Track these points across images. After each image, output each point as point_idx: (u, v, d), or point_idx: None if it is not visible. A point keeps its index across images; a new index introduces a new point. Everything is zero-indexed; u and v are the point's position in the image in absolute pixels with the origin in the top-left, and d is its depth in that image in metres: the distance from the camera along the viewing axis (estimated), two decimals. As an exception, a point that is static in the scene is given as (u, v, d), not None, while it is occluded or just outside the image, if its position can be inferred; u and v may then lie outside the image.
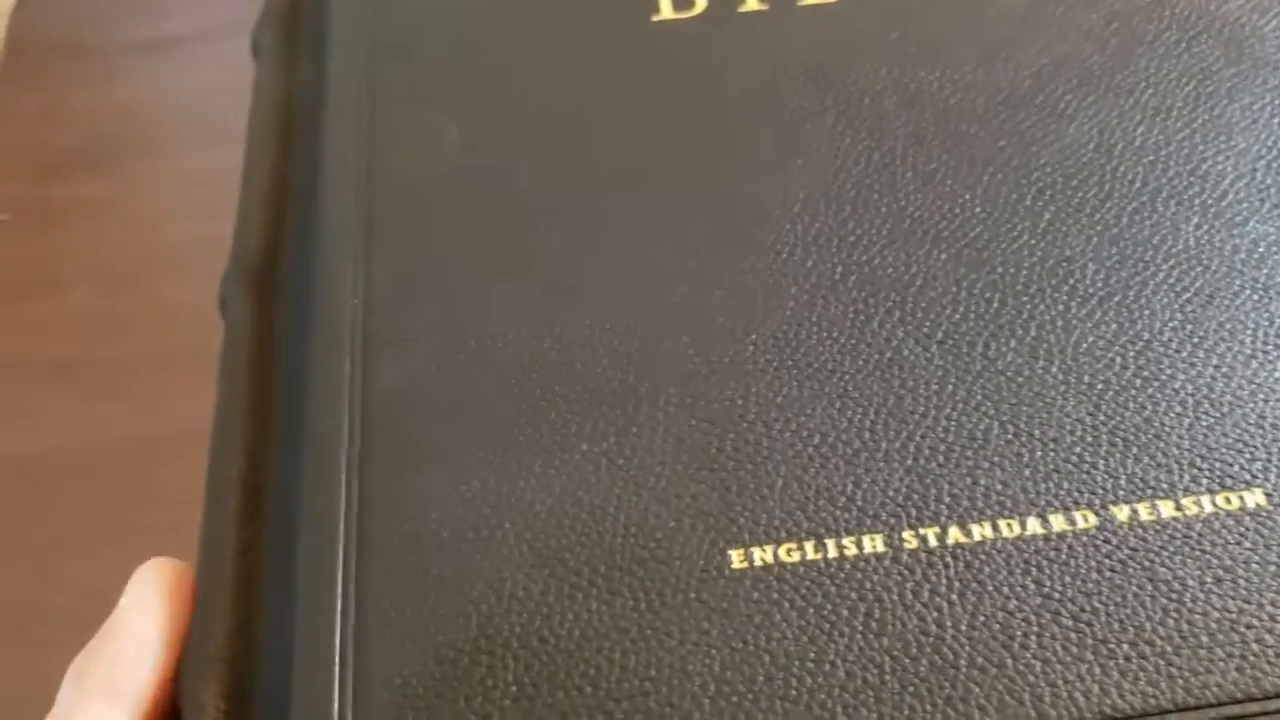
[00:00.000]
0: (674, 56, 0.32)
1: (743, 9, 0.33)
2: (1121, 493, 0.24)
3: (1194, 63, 0.31)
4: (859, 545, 0.23)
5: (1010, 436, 0.25)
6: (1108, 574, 0.23)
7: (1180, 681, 0.22)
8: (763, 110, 0.30)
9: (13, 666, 0.43)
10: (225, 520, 0.25)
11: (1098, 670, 0.22)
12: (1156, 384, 0.25)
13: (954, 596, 0.23)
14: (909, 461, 0.24)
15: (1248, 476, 0.24)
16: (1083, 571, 0.23)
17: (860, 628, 0.22)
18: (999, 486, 0.24)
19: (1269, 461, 0.24)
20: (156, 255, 0.53)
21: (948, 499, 0.24)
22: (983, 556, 0.23)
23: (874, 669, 0.22)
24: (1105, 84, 0.30)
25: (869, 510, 0.24)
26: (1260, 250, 0.27)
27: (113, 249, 0.52)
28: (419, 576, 0.24)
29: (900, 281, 0.27)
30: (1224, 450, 0.24)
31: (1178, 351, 0.26)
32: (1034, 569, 0.23)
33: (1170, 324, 0.26)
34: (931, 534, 0.23)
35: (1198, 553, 0.23)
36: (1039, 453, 0.24)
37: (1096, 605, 0.23)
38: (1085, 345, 0.26)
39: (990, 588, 0.23)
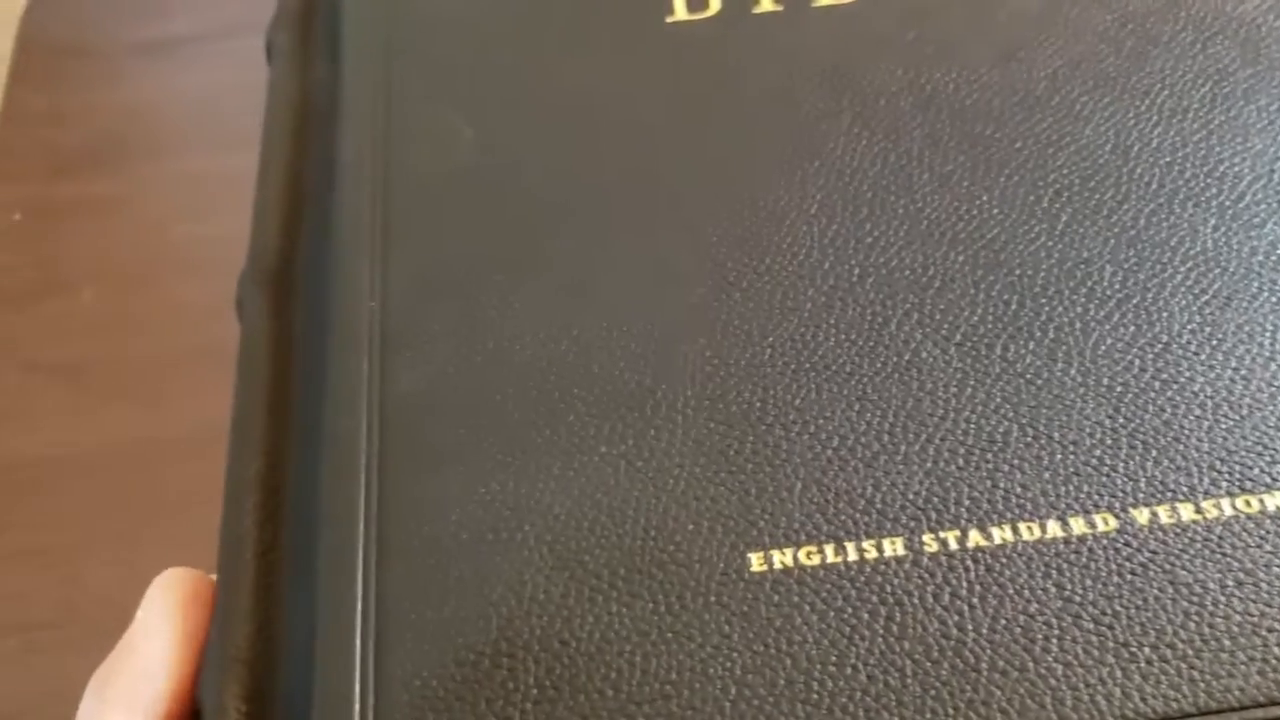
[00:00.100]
0: (688, 57, 0.32)
1: (757, 10, 0.33)
2: (1141, 495, 0.24)
3: (1210, 64, 0.31)
4: (879, 548, 0.23)
5: (1030, 439, 0.25)
6: (1128, 577, 0.23)
7: (1202, 685, 0.22)
8: (778, 111, 0.30)
9: (32, 667, 0.43)
10: (244, 521, 0.25)
11: (1119, 674, 0.22)
12: (1175, 386, 0.25)
13: (975, 600, 0.23)
14: (928, 464, 0.24)
15: (1268, 479, 0.24)
16: (1103, 575, 0.23)
17: (881, 631, 0.22)
18: (1019, 489, 0.24)
19: (1289, 464, 0.24)
20: (165, 256, 0.53)
21: (968, 502, 0.24)
22: (1003, 560, 0.23)
23: (895, 672, 0.22)
24: (1121, 85, 0.30)
25: (889, 513, 0.24)
26: (1279, 252, 0.27)
27: (121, 250, 0.52)
28: (439, 578, 0.24)
29: (918, 283, 0.27)
30: (1244, 453, 0.24)
31: (1196, 354, 0.26)
32: (1054, 572, 0.23)
33: (1189, 326, 0.26)
34: (952, 537, 0.23)
35: (1218, 556, 0.23)
36: (1058, 455, 0.24)
37: (1117, 609, 0.23)
38: (1104, 347, 0.26)
39: (1011, 591, 0.23)
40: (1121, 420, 0.25)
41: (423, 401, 0.26)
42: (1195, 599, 0.23)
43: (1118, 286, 0.27)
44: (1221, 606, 0.22)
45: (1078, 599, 0.23)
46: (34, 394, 0.49)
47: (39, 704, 0.43)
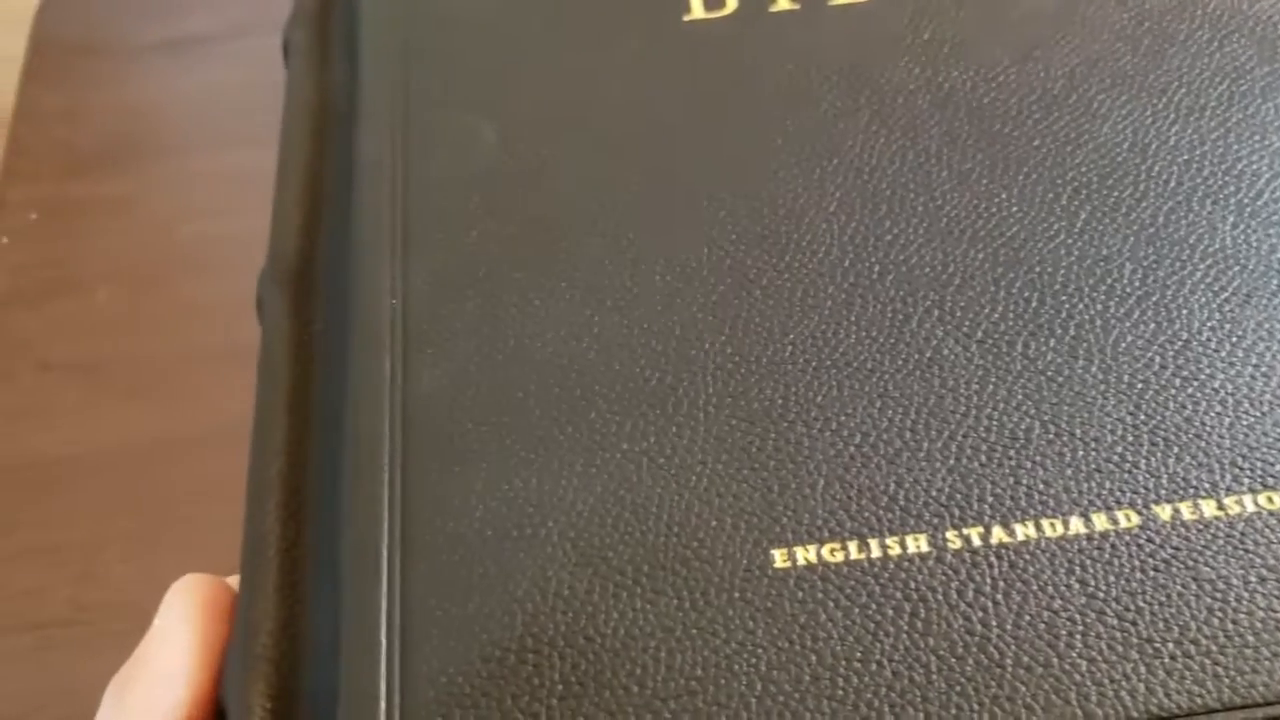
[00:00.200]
0: (706, 56, 0.32)
1: (774, 8, 0.33)
2: (1164, 492, 0.24)
3: (1227, 62, 0.31)
4: (903, 545, 0.23)
5: (1052, 436, 0.25)
6: (1151, 573, 0.23)
7: (1226, 681, 0.22)
8: (796, 109, 0.30)
9: (46, 665, 0.43)
10: (267, 520, 0.26)
11: (1143, 669, 0.22)
12: (1196, 383, 0.25)
13: (999, 596, 0.23)
14: (951, 461, 0.24)
15: None
16: (1126, 571, 0.23)
17: (906, 627, 0.22)
18: (1041, 486, 0.24)
19: (1311, 461, 0.24)
20: (179, 255, 0.53)
21: (990, 499, 0.24)
22: (1027, 556, 0.23)
23: (920, 668, 0.22)
24: (1139, 84, 0.30)
25: (912, 510, 0.24)
26: (1298, 249, 0.27)
27: (136, 249, 0.52)
28: (463, 575, 0.24)
29: (938, 281, 0.27)
30: (1265, 449, 0.24)
31: (1216, 351, 0.26)
32: (1078, 568, 0.23)
33: (1209, 323, 0.26)
34: (975, 534, 0.23)
35: (1241, 552, 0.23)
36: (1080, 452, 0.24)
37: (1141, 605, 0.23)
38: (1124, 345, 0.26)
39: (1035, 587, 0.23)
40: (1143, 417, 0.25)
41: (445, 399, 0.26)
42: (1218, 595, 0.23)
43: (1137, 284, 0.27)
44: (1245, 602, 0.23)
45: (1101, 595, 0.23)
46: (48, 393, 0.49)
47: (52, 701, 0.43)
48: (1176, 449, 0.24)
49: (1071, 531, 0.23)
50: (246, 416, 0.30)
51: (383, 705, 0.22)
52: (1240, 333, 0.26)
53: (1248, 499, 0.24)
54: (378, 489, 0.25)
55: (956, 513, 0.24)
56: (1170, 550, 0.23)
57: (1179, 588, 0.23)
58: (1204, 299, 0.27)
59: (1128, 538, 0.23)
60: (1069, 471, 0.24)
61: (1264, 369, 0.25)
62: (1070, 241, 0.28)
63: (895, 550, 0.23)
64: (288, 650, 0.24)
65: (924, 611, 0.23)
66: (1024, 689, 0.22)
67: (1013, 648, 0.22)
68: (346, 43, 0.34)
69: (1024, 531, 0.24)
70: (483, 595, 0.23)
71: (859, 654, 0.22)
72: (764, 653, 0.22)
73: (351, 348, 0.27)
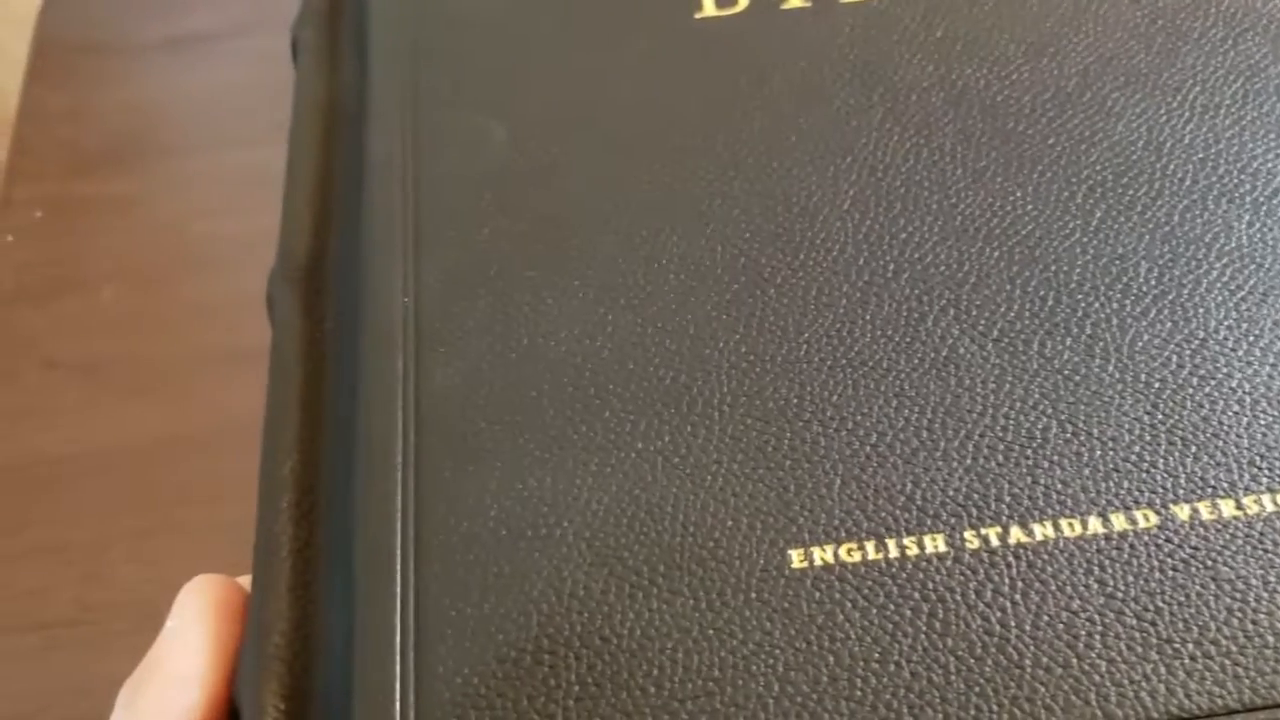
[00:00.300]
0: (717, 54, 0.32)
1: (785, 6, 0.33)
2: (1182, 492, 0.24)
3: (1241, 60, 0.31)
4: (920, 545, 0.23)
5: (1069, 435, 0.25)
6: (1170, 573, 0.23)
7: (1247, 681, 0.22)
8: (809, 107, 0.30)
9: (52, 664, 0.43)
10: (279, 519, 0.25)
11: (1163, 670, 0.22)
12: (1213, 382, 0.25)
13: (1017, 596, 0.23)
14: (968, 461, 0.24)
15: None
16: (1145, 571, 0.23)
17: (924, 628, 0.22)
18: (1059, 486, 0.24)
19: (1330, 460, 0.24)
20: (184, 254, 0.52)
21: (1008, 498, 0.24)
22: (1045, 556, 0.23)
23: (939, 669, 0.22)
24: (1153, 82, 0.30)
25: (929, 510, 0.24)
26: (1315, 248, 0.27)
27: (141, 248, 0.52)
28: (478, 575, 0.24)
29: (953, 279, 0.27)
30: (1284, 449, 0.24)
31: (1234, 350, 0.26)
32: (1096, 568, 0.23)
33: (1225, 322, 0.26)
34: (993, 534, 0.23)
35: (1260, 552, 0.23)
36: (1098, 452, 0.24)
37: (1160, 605, 0.22)
38: (1141, 344, 0.26)
39: (1053, 587, 0.23)
40: (1160, 416, 0.25)
41: (458, 398, 0.26)
42: (1238, 595, 0.23)
43: (1153, 283, 0.27)
44: (1264, 602, 0.22)
45: (1120, 595, 0.23)
46: (53, 391, 0.49)
47: (59, 701, 0.43)
48: (1194, 448, 0.24)
49: (1090, 531, 0.23)
50: (252, 416, 0.29)
51: (397, 706, 0.22)
52: (1257, 331, 0.26)
53: (1266, 498, 0.24)
54: (391, 488, 0.25)
55: (974, 512, 0.24)
56: (1189, 550, 0.23)
57: (1198, 588, 0.23)
58: (1220, 297, 0.26)
59: (1146, 538, 0.23)
60: (1087, 471, 0.24)
61: (1281, 368, 0.25)
62: (1086, 240, 0.27)
63: (913, 550, 0.23)
64: (301, 650, 0.24)
65: (942, 612, 0.23)
66: (1043, 689, 0.22)
67: (1031, 648, 0.22)
68: (356, 41, 0.33)
69: (1042, 531, 0.23)
70: (498, 595, 0.23)
71: (877, 655, 0.22)
72: (781, 653, 0.22)
73: (363, 346, 0.27)
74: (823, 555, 0.23)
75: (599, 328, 0.27)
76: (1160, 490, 0.24)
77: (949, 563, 0.23)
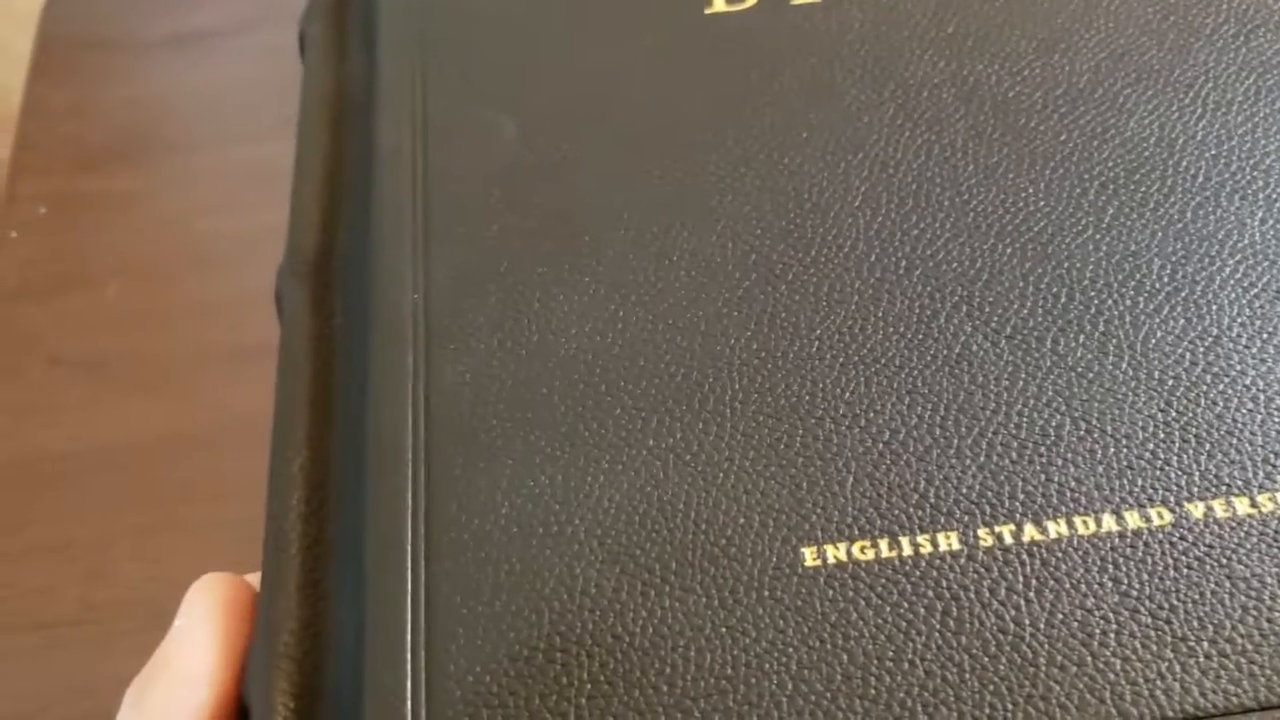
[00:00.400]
0: (728, 49, 0.32)
1: (795, 1, 0.33)
2: (1196, 489, 0.24)
3: (1253, 56, 0.31)
4: (934, 543, 0.23)
5: (1083, 433, 0.24)
6: (1185, 571, 0.23)
7: (1262, 680, 0.22)
8: (819, 103, 0.30)
9: (55, 663, 0.43)
10: (289, 516, 0.25)
11: (1178, 668, 0.22)
12: (1227, 380, 0.25)
13: (1031, 594, 0.23)
14: (981, 458, 0.24)
15: None
16: (1160, 569, 0.23)
17: (938, 626, 0.22)
18: (1073, 483, 0.24)
19: (1345, 458, 0.24)
20: (189, 250, 0.52)
21: (1022, 496, 0.24)
22: (1059, 554, 0.23)
23: (953, 667, 0.22)
24: (1164, 78, 0.30)
25: (943, 507, 0.24)
26: (1329, 245, 0.27)
27: (145, 244, 0.52)
28: (489, 573, 0.23)
29: (966, 276, 0.27)
30: (1298, 447, 0.24)
31: (1247, 347, 0.26)
32: (1111, 566, 0.23)
33: (1239, 319, 0.26)
34: (1007, 531, 0.23)
35: (1275, 550, 0.23)
36: (1112, 449, 0.24)
37: (1175, 603, 0.22)
38: (1154, 341, 0.26)
39: (1068, 585, 0.23)
40: (1174, 414, 0.25)
41: (468, 394, 0.26)
42: (1253, 593, 0.22)
43: (1166, 280, 0.27)
44: (1280, 601, 0.22)
45: (1134, 593, 0.22)
46: (58, 388, 0.49)
47: (62, 700, 0.43)
48: (1208, 446, 0.24)
49: (1104, 529, 0.23)
50: (257, 413, 0.29)
51: (408, 705, 0.22)
52: (1271, 328, 0.26)
53: (1281, 496, 0.24)
54: (401, 485, 0.25)
55: (988, 510, 0.24)
56: (1204, 548, 0.23)
57: (1213, 586, 0.23)
58: (1234, 294, 0.26)
59: (1160, 535, 0.23)
60: (1100, 469, 0.24)
61: (1296, 365, 0.25)
62: (1098, 237, 0.27)
63: (926, 548, 0.23)
64: (310, 648, 0.24)
65: (956, 610, 0.22)
66: (1058, 688, 0.22)
67: (1046, 646, 0.22)
68: (364, 36, 0.33)
69: (1056, 529, 0.23)
70: (509, 593, 0.23)
71: (891, 653, 0.22)
72: (795, 652, 0.22)
73: (373, 342, 0.27)
74: (836, 553, 0.23)
75: (610, 324, 0.27)
76: (1174, 488, 0.24)
77: (963, 561, 0.23)
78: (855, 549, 0.23)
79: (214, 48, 0.59)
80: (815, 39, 0.31)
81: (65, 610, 0.45)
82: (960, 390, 0.25)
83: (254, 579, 0.26)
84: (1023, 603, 0.22)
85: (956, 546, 0.23)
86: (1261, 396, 0.25)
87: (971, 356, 0.26)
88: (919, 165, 0.29)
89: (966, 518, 0.23)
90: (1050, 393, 0.25)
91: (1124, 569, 0.23)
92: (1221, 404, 0.25)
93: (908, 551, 0.23)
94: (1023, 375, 0.25)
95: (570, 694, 0.22)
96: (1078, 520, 0.23)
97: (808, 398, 0.25)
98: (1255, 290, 0.26)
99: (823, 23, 0.32)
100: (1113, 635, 0.22)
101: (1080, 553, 0.23)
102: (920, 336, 0.26)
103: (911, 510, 0.24)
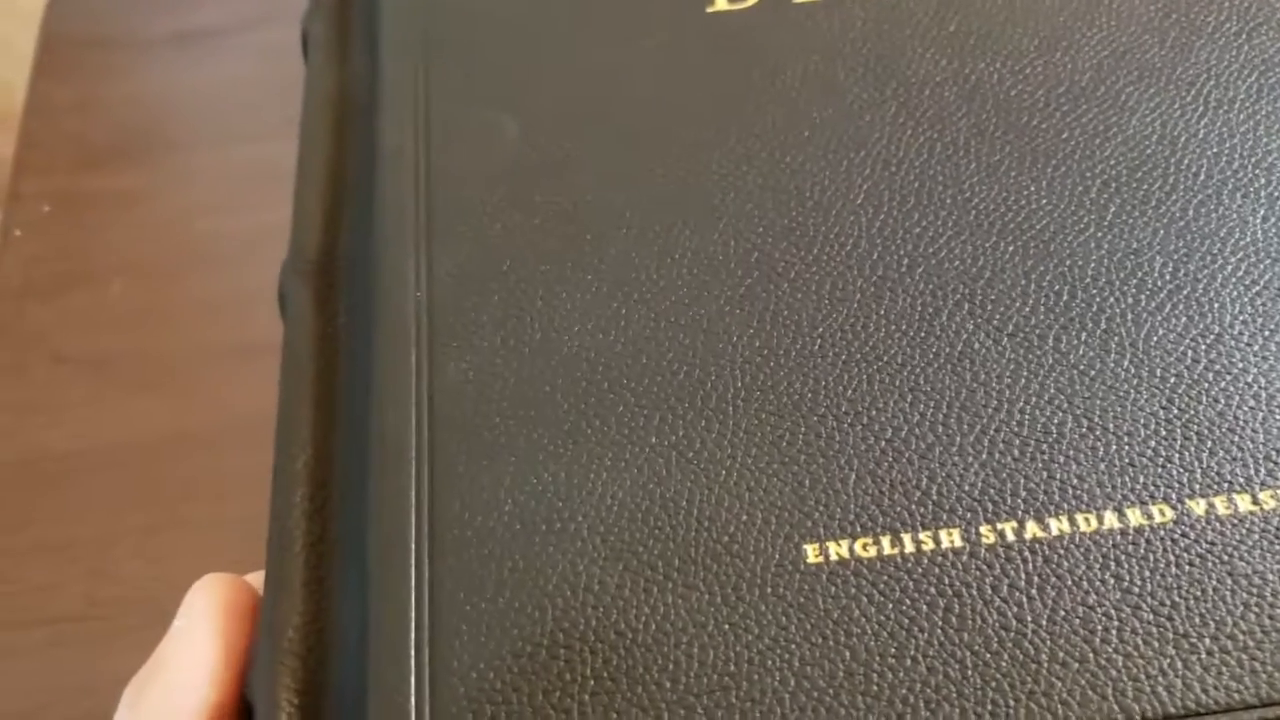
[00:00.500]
0: (730, 47, 0.32)
1: (797, 0, 0.33)
2: (1197, 487, 0.24)
3: (1255, 54, 0.31)
4: (936, 540, 0.23)
5: (1084, 430, 0.24)
6: (1186, 568, 0.23)
7: (1264, 676, 0.22)
8: (822, 101, 0.30)
9: (59, 661, 0.43)
10: (293, 514, 0.25)
11: (1180, 665, 0.22)
12: (1229, 377, 0.25)
13: (1033, 591, 0.23)
14: (984, 455, 0.24)
15: None
16: (1161, 566, 0.23)
17: (940, 623, 0.22)
18: (1075, 480, 0.24)
19: (1346, 455, 0.24)
20: (192, 248, 0.52)
21: (1024, 493, 0.24)
22: (1061, 551, 0.23)
23: (955, 664, 0.22)
24: (1166, 76, 0.30)
25: (945, 505, 0.24)
26: (1330, 243, 0.27)
27: (149, 242, 0.52)
28: (493, 569, 0.23)
29: (968, 274, 0.27)
30: (1300, 444, 0.24)
31: (1249, 345, 0.26)
32: (1113, 563, 0.23)
33: (1240, 317, 0.26)
34: (1009, 528, 0.23)
35: (1276, 547, 0.23)
36: (1114, 447, 0.24)
37: (1176, 600, 0.22)
38: (1156, 339, 0.26)
39: (1070, 582, 0.23)
40: (1176, 411, 0.25)
41: (472, 392, 0.26)
42: (1254, 590, 0.22)
43: (1168, 277, 0.27)
44: (1281, 598, 0.22)
45: (1136, 590, 0.23)
46: (62, 386, 0.49)
47: (66, 698, 0.43)
48: (1210, 443, 0.24)
49: (1105, 526, 0.23)
50: (259, 412, 0.29)
51: (412, 702, 0.22)
52: (1273, 326, 0.26)
53: (1283, 494, 0.24)
54: (404, 482, 0.25)
55: (990, 507, 0.24)
56: (1205, 545, 0.23)
57: (1214, 583, 0.23)
58: (1235, 293, 0.26)
59: (1162, 532, 0.23)
60: (1102, 466, 0.24)
61: (1297, 363, 0.25)
62: (1100, 235, 0.27)
63: (929, 545, 0.23)
64: (315, 645, 0.24)
65: (958, 607, 0.22)
66: (1060, 684, 0.22)
67: (1048, 643, 0.22)
68: (367, 35, 0.33)
69: (1058, 526, 0.23)
70: (512, 590, 0.23)
71: (893, 650, 0.22)
72: (797, 648, 0.22)
73: (376, 341, 0.27)
74: (838, 550, 0.23)
75: (612, 322, 0.27)
76: (1176, 485, 0.24)
77: (965, 558, 0.23)
78: (858, 546, 0.23)
79: (216, 46, 0.59)
80: (817, 37, 0.32)
81: (69, 607, 0.45)
82: (962, 388, 0.25)
83: (255, 579, 0.26)
84: (1025, 600, 0.22)
85: (959, 544, 0.23)
86: (1263, 394, 0.25)
87: (973, 354, 0.26)
88: (921, 163, 0.29)
89: (969, 515, 0.24)
90: (1052, 390, 0.25)
91: (1126, 566, 0.23)
92: (1223, 401, 0.25)
93: (910, 549, 0.23)
94: (1025, 373, 0.25)
95: (573, 690, 0.22)
96: (1080, 517, 0.23)
97: (810, 395, 0.25)
98: (1257, 288, 0.26)
99: (825, 21, 0.32)
100: (1115, 632, 0.22)
101: (1082, 550, 0.23)
102: (922, 334, 0.26)
103: (914, 507, 0.24)
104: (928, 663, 0.22)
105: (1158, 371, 0.25)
